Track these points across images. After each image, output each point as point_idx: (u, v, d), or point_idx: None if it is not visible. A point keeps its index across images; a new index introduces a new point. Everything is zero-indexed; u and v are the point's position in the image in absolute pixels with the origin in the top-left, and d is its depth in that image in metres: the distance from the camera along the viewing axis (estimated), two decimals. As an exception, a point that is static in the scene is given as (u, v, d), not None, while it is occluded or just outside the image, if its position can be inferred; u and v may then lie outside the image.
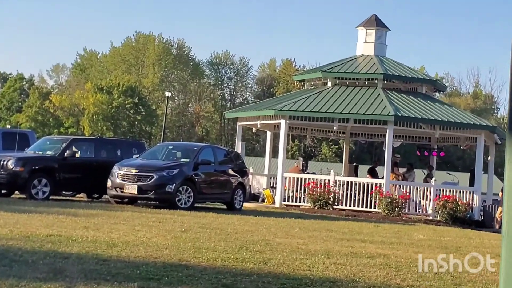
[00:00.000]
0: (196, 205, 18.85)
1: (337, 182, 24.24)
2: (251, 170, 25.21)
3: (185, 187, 18.14)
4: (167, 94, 56.41)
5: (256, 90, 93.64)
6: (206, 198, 19.77)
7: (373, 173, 26.58)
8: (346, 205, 23.79)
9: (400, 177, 26.18)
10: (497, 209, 24.86)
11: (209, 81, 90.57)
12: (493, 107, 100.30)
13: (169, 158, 19.42)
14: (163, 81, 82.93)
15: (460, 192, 24.53)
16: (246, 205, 22.18)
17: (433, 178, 25.09)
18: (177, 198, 17.94)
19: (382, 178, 26.22)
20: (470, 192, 24.64)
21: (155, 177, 17.84)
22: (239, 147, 27.42)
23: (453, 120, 24.52)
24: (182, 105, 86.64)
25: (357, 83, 26.86)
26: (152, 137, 78.42)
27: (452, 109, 26.88)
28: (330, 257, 9.70)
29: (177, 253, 8.91)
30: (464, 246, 13.40)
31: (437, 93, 39.87)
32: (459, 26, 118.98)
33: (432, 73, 78.81)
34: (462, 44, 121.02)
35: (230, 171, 20.26)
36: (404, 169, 27.51)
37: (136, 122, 76.70)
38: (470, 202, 24.15)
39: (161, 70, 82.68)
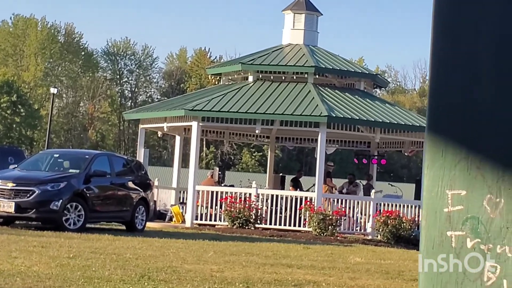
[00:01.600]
0: (88, 225, 18.62)
1: (260, 196, 24.40)
2: (156, 183, 25.12)
3: (74, 204, 17.93)
4: (53, 90, 55.59)
5: (163, 86, 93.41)
6: (100, 217, 19.60)
7: (296, 185, 26.92)
8: (270, 224, 23.97)
9: (334, 189, 26.59)
10: (447, 226, 25.55)
11: (104, 74, 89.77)
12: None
13: (55, 169, 19.17)
14: (48, 74, 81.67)
15: (404, 206, 25.08)
16: (150, 224, 22.07)
17: (373, 190, 25.57)
18: (64, 218, 17.70)
19: (308, 190, 26.63)
20: (416, 207, 25.21)
21: (36, 192, 17.57)
22: (141, 155, 27.27)
23: (396, 122, 25.04)
24: (71, 104, 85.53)
25: (283, 77, 27.14)
26: (34, 143, 77.07)
27: (396, 108, 27.48)
28: (250, 286, 9.77)
29: (63, 285, 8.80)
30: (408, 270, 13.72)
31: (378, 90, 40.73)
32: (404, 12, 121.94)
33: (372, 66, 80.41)
34: (407, 33, 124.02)
35: (131, 184, 20.13)
36: (342, 180, 27.92)
37: (14, 125, 75.19)
38: (416, 219, 24.70)
39: (45, 61, 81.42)
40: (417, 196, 26.70)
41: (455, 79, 2.33)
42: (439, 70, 2.38)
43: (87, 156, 19.85)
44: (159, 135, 34.06)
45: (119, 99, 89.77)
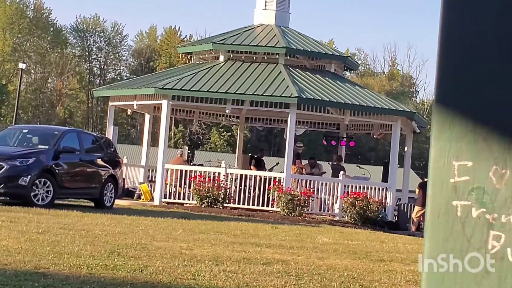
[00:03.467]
0: (56, 201, 18.57)
1: (229, 176, 24.47)
2: (125, 161, 25.07)
3: (43, 179, 17.87)
4: (21, 66, 55.07)
5: (132, 63, 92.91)
6: (69, 194, 19.57)
7: (258, 163, 26.99)
8: (239, 203, 24.07)
9: (303, 170, 26.71)
10: (413, 209, 25.82)
11: (73, 51, 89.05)
12: (411, 90, 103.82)
13: (23, 145, 19.06)
14: (16, 50, 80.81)
15: (371, 188, 25.29)
16: (119, 202, 22.07)
17: (342, 172, 25.71)
18: (32, 193, 17.65)
19: (271, 169, 26.76)
20: (383, 189, 25.45)
21: (5, 167, 17.49)
22: (110, 133, 27.17)
23: (365, 104, 25.17)
24: (40, 80, 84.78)
25: (254, 58, 27.15)
26: (2, 118, 76.39)
27: (365, 91, 27.62)
28: (219, 264, 9.81)
29: (33, 259, 8.78)
30: (375, 251, 13.86)
31: (347, 72, 40.87)
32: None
33: (342, 49, 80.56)
34: (377, 15, 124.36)
35: (100, 161, 20.10)
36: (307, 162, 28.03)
37: (-19, 100, 74.48)
38: (383, 200, 24.94)
39: (13, 37, 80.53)
40: (385, 178, 26.94)
41: (463, 51, 2.37)
42: (448, 41, 2.41)
43: (56, 132, 19.75)
44: (128, 113, 33.90)
45: (88, 76, 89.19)
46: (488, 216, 2.29)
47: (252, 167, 26.87)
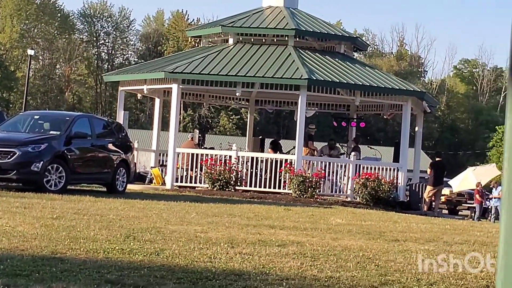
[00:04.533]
0: (69, 187, 18.61)
1: (240, 159, 24.47)
2: (136, 145, 25.08)
3: (55, 165, 17.88)
4: (30, 52, 55.08)
5: (140, 48, 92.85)
6: (81, 179, 19.58)
7: (276, 147, 26.99)
8: (250, 186, 24.07)
9: (315, 152, 26.68)
10: (425, 189, 25.80)
11: (81, 36, 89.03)
12: (419, 69, 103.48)
13: (35, 131, 19.07)
14: (24, 36, 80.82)
15: (383, 169, 25.24)
16: (131, 186, 22.09)
17: (353, 153, 25.66)
18: (45, 179, 17.67)
19: (288, 153, 26.72)
20: (394, 169, 25.39)
21: (17, 153, 17.49)
22: (121, 117, 27.19)
23: (376, 85, 25.04)
24: (48, 66, 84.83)
25: (264, 40, 27.07)
26: (11, 105, 76.52)
27: (375, 71, 27.51)
28: (235, 246, 9.82)
29: (49, 244, 8.81)
30: (389, 231, 13.85)
31: (355, 53, 40.74)
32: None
33: (350, 29, 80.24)
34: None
35: (111, 146, 20.11)
36: (319, 144, 28.02)
37: (-10, 87, 74.57)
38: (395, 181, 24.90)
39: (21, 23, 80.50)
40: (396, 158, 26.88)
41: None
42: None
43: (67, 118, 19.75)
44: (137, 98, 33.94)
45: (96, 61, 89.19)
46: None
47: (269, 149, 26.84)
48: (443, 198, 33.41)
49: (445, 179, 28.24)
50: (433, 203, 25.88)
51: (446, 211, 36.06)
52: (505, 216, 2.30)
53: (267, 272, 8.18)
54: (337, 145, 27.83)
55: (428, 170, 26.29)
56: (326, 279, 8.06)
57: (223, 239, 10.56)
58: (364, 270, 8.74)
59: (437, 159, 27.73)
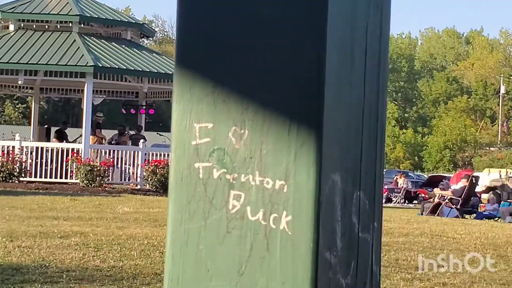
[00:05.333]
0: None
1: (24, 149, 23.76)
2: None
3: None
4: None
5: None
6: None
7: (61, 136, 26.45)
8: (36, 177, 23.44)
9: (103, 140, 26.36)
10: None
11: None
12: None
13: None
14: None
15: (172, 155, 25.29)
16: None
17: (142, 141, 25.60)
18: None
19: (75, 141, 26.30)
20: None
21: None
22: None
23: (164, 72, 25.12)
24: None
25: (47, 26, 26.37)
26: None
27: (163, 58, 27.52)
28: (14, 240, 9.55)
29: None
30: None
31: (145, 40, 40.68)
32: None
33: (139, 16, 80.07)
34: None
35: None
36: (111, 132, 27.70)
37: None
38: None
39: None
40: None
41: (204, 12, 2.34)
42: (187, 1, 2.38)
43: None
44: None
45: None
46: (229, 176, 2.31)
47: (54, 139, 26.21)
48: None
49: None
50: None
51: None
52: (172, 207, 2.41)
53: (47, 265, 8.01)
54: (127, 132, 27.59)
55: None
56: (109, 269, 7.99)
57: (2, 232, 10.22)
58: (148, 258, 8.74)
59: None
